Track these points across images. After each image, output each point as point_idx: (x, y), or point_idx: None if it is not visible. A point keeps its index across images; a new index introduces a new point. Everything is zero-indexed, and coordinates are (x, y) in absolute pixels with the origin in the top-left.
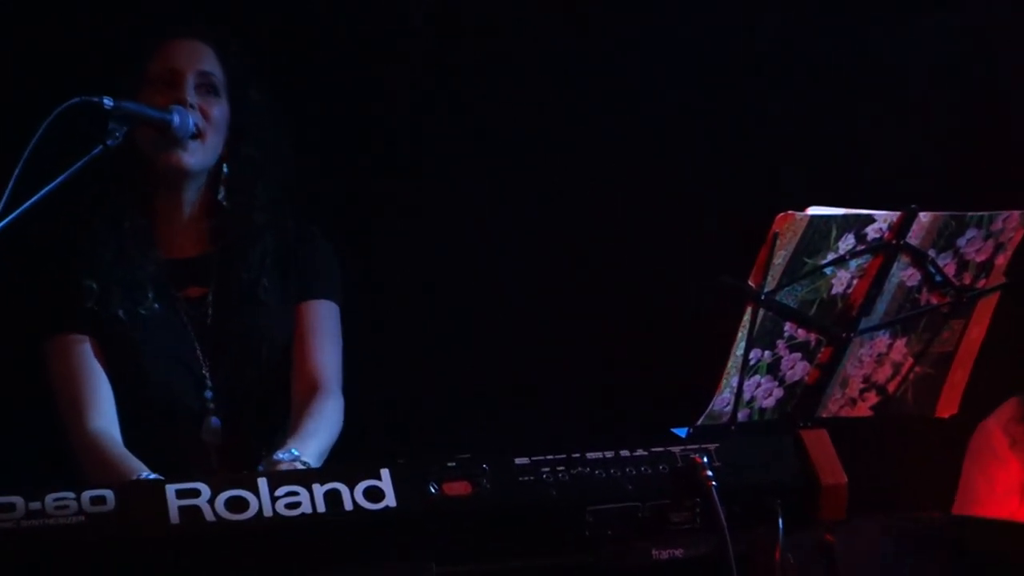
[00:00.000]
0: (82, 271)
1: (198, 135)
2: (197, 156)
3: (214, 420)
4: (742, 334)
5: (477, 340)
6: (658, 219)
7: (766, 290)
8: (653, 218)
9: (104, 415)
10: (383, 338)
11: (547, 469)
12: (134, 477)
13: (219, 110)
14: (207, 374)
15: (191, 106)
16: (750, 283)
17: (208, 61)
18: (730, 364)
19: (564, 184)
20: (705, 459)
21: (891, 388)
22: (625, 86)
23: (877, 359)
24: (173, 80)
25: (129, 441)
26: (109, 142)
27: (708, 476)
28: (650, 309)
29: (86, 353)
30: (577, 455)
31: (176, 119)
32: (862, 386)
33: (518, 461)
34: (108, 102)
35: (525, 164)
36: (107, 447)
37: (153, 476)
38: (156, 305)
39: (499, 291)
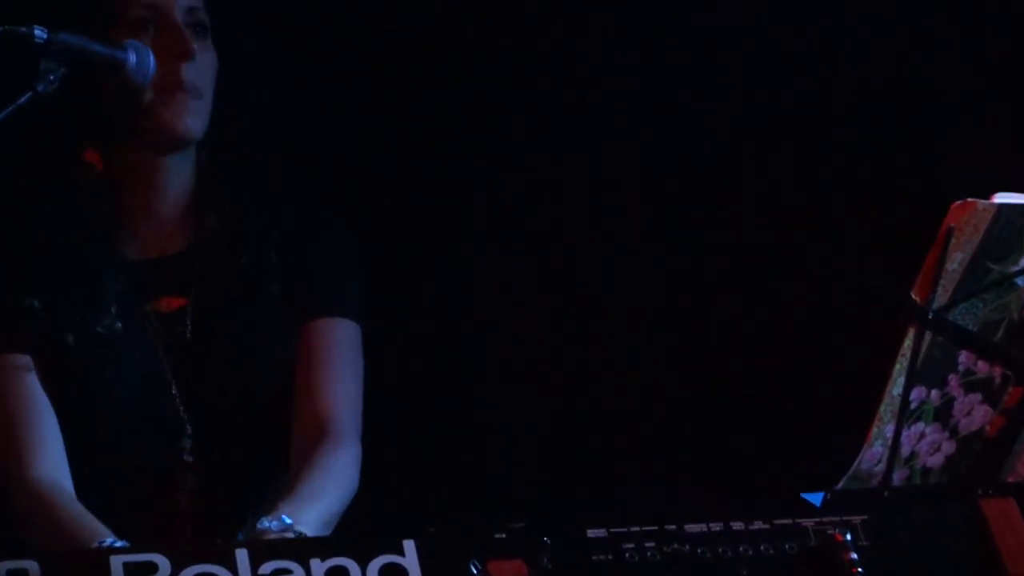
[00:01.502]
0: (22, 277)
1: (196, 92)
2: (195, 119)
3: (191, 476)
4: (900, 366)
5: (538, 361)
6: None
7: (935, 306)
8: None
9: (51, 459)
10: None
11: (631, 545)
12: (94, 544)
13: (211, 58)
14: (184, 414)
15: (192, 57)
16: (913, 296)
17: None
18: (883, 407)
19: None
20: (848, 536)
21: None
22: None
23: None
24: (156, 19)
25: (81, 496)
26: (40, 87)
27: (852, 560)
28: (774, 330)
29: (27, 381)
30: (673, 527)
31: (132, 58)
32: None
33: (591, 533)
34: (40, 33)
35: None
36: (55, 502)
37: (119, 543)
38: (118, 323)
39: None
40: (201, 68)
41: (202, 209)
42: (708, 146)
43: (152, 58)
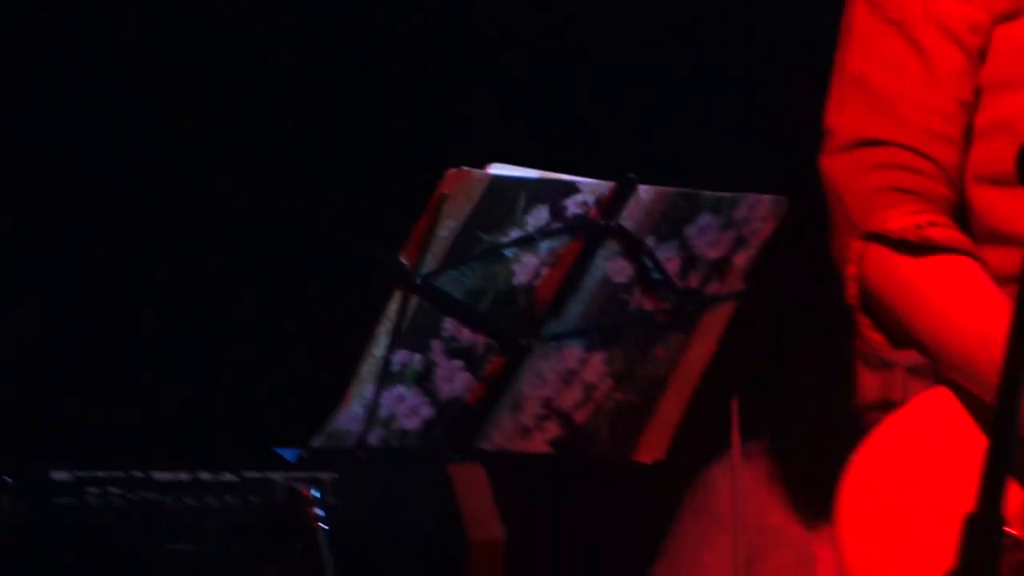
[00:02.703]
0: None
1: None
2: None
3: None
4: (384, 329)
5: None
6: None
7: (423, 271)
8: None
9: None
10: None
11: (96, 490)
12: None
13: None
14: None
15: None
16: (402, 259)
17: None
18: (364, 368)
19: None
20: (316, 493)
21: (579, 418)
22: None
23: (565, 378)
24: None
25: None
26: None
27: (317, 516)
28: (257, 287)
29: None
30: (140, 474)
31: None
32: (541, 412)
33: (55, 475)
34: None
35: None
36: None
37: None
38: None
39: None
40: None
41: None
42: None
43: None
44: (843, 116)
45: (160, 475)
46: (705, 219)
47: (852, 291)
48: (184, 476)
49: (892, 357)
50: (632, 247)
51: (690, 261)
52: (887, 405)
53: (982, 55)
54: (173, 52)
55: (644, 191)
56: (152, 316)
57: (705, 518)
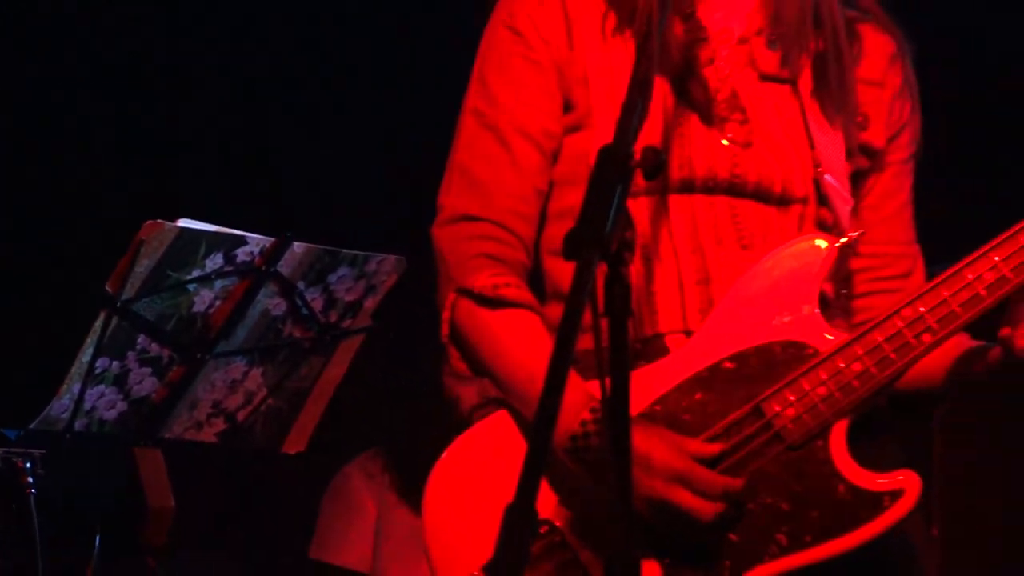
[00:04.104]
0: None
1: None
2: None
3: None
4: (91, 340)
5: None
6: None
7: (123, 298)
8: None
9: None
10: None
11: None
12: None
13: None
14: None
15: None
16: (107, 288)
17: None
18: (74, 370)
19: None
20: (28, 464)
21: (240, 417)
22: None
23: (230, 385)
24: None
25: None
26: None
27: (28, 483)
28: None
29: None
30: None
31: None
32: (211, 411)
33: None
34: None
35: None
36: None
37: None
38: None
39: None
40: None
41: None
42: None
43: None
44: (449, 197)
45: None
46: (343, 270)
47: (445, 331)
48: None
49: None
50: (286, 288)
51: (331, 302)
52: (488, 402)
53: (555, 157)
54: None
55: (298, 246)
56: None
57: (344, 503)
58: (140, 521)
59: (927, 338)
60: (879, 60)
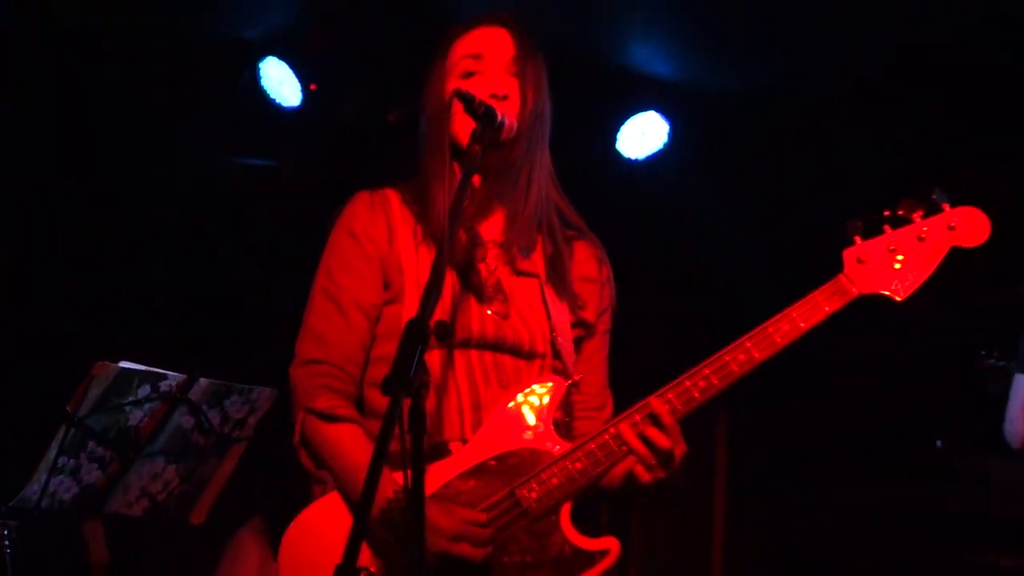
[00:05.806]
0: None
1: None
2: None
3: None
4: (55, 444)
5: None
6: None
7: (79, 415)
8: None
9: None
10: None
11: None
12: None
13: None
14: None
15: None
16: (68, 408)
17: None
18: (42, 464)
19: None
20: (6, 531)
21: (160, 498)
22: None
23: (153, 476)
24: None
25: None
26: None
27: (6, 545)
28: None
29: None
30: None
31: None
32: (138, 494)
33: None
34: None
35: None
36: None
37: None
38: None
39: None
40: None
41: None
42: None
43: None
44: (303, 347)
45: None
46: (235, 397)
47: (297, 438)
48: None
49: (321, 475)
50: (194, 409)
51: (225, 419)
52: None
53: (377, 320)
54: None
55: (203, 381)
56: None
57: (239, 563)
58: (85, 573)
59: (624, 449)
60: (591, 263)
